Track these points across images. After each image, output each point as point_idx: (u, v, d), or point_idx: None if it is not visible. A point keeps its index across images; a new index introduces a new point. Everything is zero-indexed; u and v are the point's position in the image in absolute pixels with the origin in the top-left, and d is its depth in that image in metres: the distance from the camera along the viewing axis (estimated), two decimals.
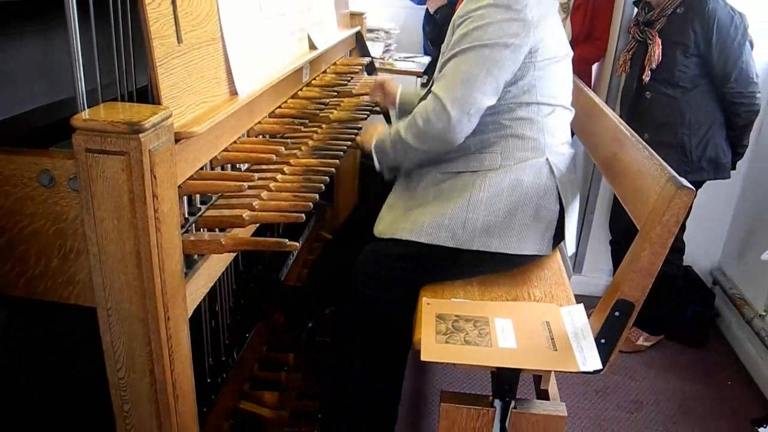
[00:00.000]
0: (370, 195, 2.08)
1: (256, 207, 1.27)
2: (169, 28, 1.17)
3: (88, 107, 1.09)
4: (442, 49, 1.67)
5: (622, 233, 2.68)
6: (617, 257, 2.85)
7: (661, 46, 2.42)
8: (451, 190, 1.63)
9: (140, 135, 0.97)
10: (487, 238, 1.59)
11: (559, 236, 1.69)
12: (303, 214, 1.25)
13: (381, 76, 2.18)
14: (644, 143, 1.57)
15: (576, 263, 3.21)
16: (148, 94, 1.19)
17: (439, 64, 1.65)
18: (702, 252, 3.10)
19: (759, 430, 1.41)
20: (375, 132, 1.78)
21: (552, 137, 1.65)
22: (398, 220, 1.66)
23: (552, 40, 1.62)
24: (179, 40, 1.20)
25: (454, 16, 1.63)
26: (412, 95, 2.04)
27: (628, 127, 1.71)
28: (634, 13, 2.65)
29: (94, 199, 1.02)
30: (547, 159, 1.63)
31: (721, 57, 2.35)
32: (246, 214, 1.23)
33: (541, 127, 1.64)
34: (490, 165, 1.62)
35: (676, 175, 1.36)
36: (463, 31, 1.54)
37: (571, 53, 1.76)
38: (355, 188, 2.85)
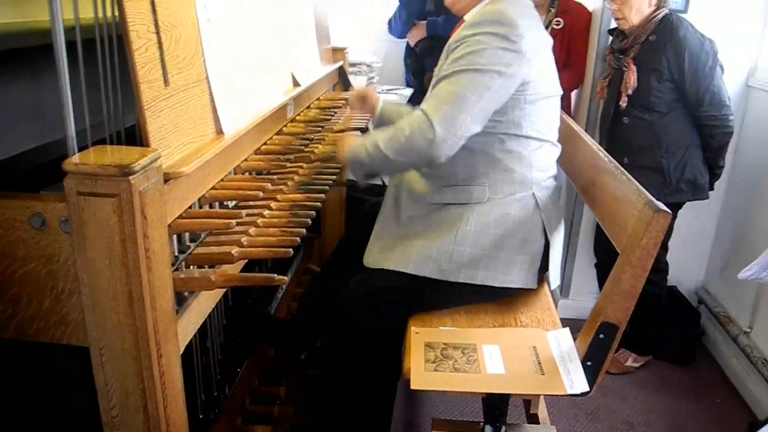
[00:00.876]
0: (357, 226, 2.11)
1: (245, 243, 1.29)
2: (156, 71, 1.20)
3: (78, 148, 1.12)
4: (434, 73, 1.68)
5: (607, 256, 2.72)
6: (603, 280, 2.88)
7: (636, 73, 2.49)
8: (440, 222, 1.66)
9: (130, 177, 1.00)
10: (474, 270, 1.62)
11: (544, 268, 1.72)
12: (291, 249, 1.28)
13: (363, 87, 2.20)
14: (622, 168, 1.62)
15: (563, 287, 3.24)
16: (135, 134, 1.22)
17: (431, 86, 1.66)
18: (686, 272, 3.15)
19: None
20: (347, 143, 1.76)
21: (539, 172, 1.69)
22: (387, 250, 1.69)
23: (544, 76, 1.65)
24: (166, 83, 1.23)
25: (450, 40, 1.64)
26: (392, 109, 2.07)
27: (606, 153, 1.76)
28: (609, 41, 2.72)
29: (86, 240, 1.04)
30: (533, 193, 1.67)
31: (694, 82, 2.42)
32: (235, 250, 1.26)
33: (528, 161, 1.66)
34: (479, 198, 1.65)
35: (653, 199, 1.40)
36: (458, 54, 1.55)
37: (561, 92, 1.78)
38: (341, 220, 2.88)
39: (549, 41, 1.74)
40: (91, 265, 1.05)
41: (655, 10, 2.48)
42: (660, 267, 2.71)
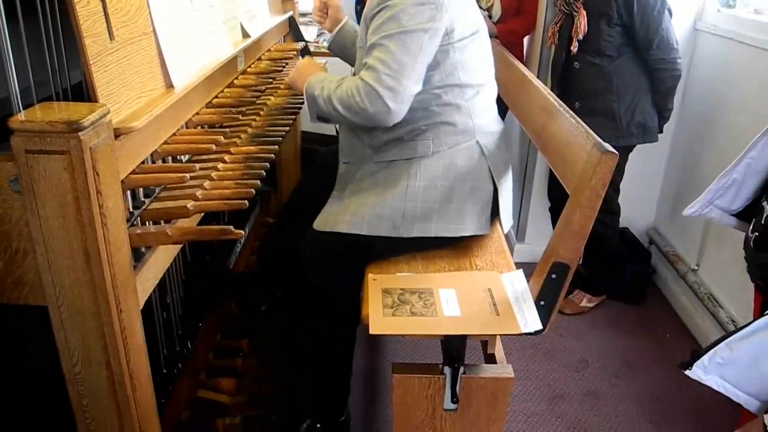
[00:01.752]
0: (310, 174, 2.12)
1: (200, 197, 1.29)
2: (100, 25, 1.18)
3: (23, 107, 1.10)
4: (358, 43, 1.69)
5: (560, 200, 2.77)
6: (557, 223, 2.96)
7: (586, 18, 2.50)
8: (387, 179, 1.67)
9: (80, 133, 0.99)
10: (426, 223, 1.65)
11: (495, 213, 1.76)
12: (246, 201, 1.29)
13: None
14: (571, 113, 1.65)
15: (519, 232, 3.32)
16: (83, 91, 1.20)
17: (358, 56, 1.67)
18: (637, 213, 3.24)
19: (686, 372, 1.51)
20: (307, 71, 1.77)
21: (480, 118, 1.70)
22: (336, 212, 1.69)
23: (465, 17, 1.65)
24: (111, 36, 1.21)
25: (365, 10, 1.63)
26: (352, 31, 2.08)
27: (556, 98, 1.79)
28: None
29: (38, 199, 1.03)
30: (477, 141, 1.69)
31: (643, 25, 2.45)
32: (190, 204, 1.26)
33: (468, 110, 1.68)
34: (423, 152, 1.66)
35: (601, 141, 1.43)
36: (380, 21, 1.55)
37: (484, 26, 1.77)
38: (297, 173, 2.88)
39: None
40: (44, 223, 1.05)
41: None
42: (612, 209, 2.79)
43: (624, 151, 2.66)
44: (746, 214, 1.71)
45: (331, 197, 1.78)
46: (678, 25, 2.68)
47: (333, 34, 2.09)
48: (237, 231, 1.24)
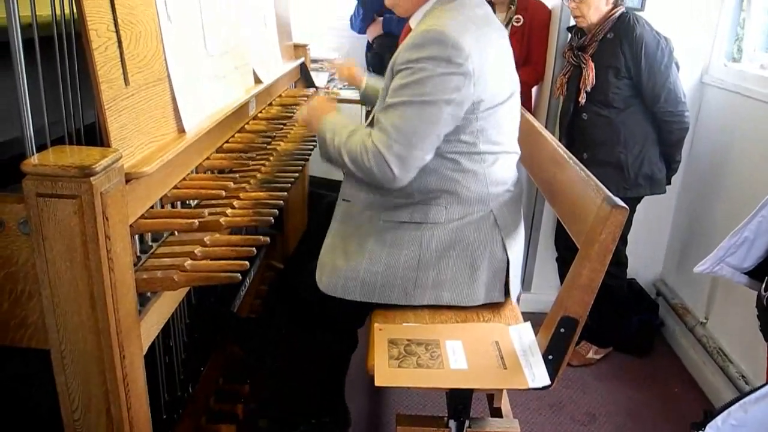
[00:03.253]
0: (317, 222, 2.11)
1: (208, 243, 1.29)
2: (116, 71, 1.19)
3: (36, 147, 1.10)
4: (381, 93, 1.63)
5: (567, 250, 2.77)
6: (564, 274, 2.94)
7: (594, 70, 2.53)
8: (396, 242, 1.62)
9: (91, 178, 0.99)
10: (439, 292, 1.63)
11: (507, 280, 1.72)
12: (254, 248, 1.28)
13: (348, 63, 2.16)
14: (581, 165, 1.65)
15: (525, 281, 3.29)
16: (96, 131, 1.20)
17: (377, 106, 1.62)
18: (644, 264, 3.22)
19: None
20: (322, 112, 1.70)
21: (496, 186, 1.65)
22: (342, 274, 1.64)
23: (496, 84, 1.57)
24: (126, 82, 1.22)
25: (393, 59, 1.56)
26: (377, 86, 2.04)
27: (566, 149, 1.79)
28: (568, 38, 2.76)
29: (46, 242, 1.03)
30: (491, 210, 1.64)
31: (650, 78, 2.47)
32: (198, 250, 1.26)
33: (485, 179, 1.62)
34: (435, 218, 1.61)
35: (611, 194, 1.43)
36: (403, 81, 1.49)
37: (518, 88, 1.70)
38: (304, 216, 2.88)
39: (499, 37, 1.64)
40: (51, 266, 1.04)
41: (612, 9, 2.53)
42: (619, 260, 2.77)
43: (632, 203, 2.65)
44: (758, 273, 1.69)
45: (326, 245, 1.73)
46: (685, 79, 2.70)
47: (360, 95, 2.11)
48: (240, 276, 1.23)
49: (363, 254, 1.64)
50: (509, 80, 1.66)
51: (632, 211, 2.70)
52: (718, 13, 2.89)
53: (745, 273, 1.73)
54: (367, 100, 2.11)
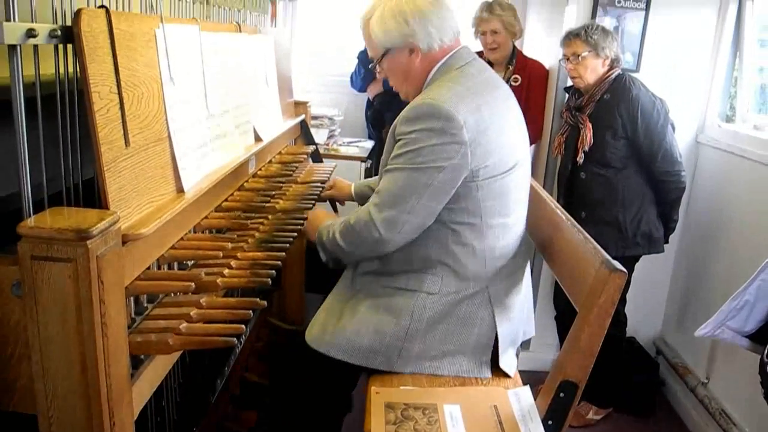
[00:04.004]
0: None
1: (204, 304, 1.27)
2: (117, 132, 1.19)
3: (34, 201, 1.10)
4: (383, 158, 1.66)
5: (566, 309, 2.75)
6: (563, 332, 2.91)
7: (591, 130, 2.56)
8: (388, 310, 1.61)
9: (88, 241, 0.98)
10: (422, 362, 1.61)
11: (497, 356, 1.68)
12: (250, 311, 1.27)
13: (330, 181, 2.23)
14: (579, 227, 1.65)
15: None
16: (94, 186, 1.19)
17: (381, 171, 1.64)
18: (644, 323, 3.19)
19: None
20: (318, 222, 1.77)
21: (495, 262, 1.63)
22: (330, 330, 1.63)
23: (497, 153, 1.55)
24: (127, 143, 1.23)
25: (394, 125, 1.58)
26: (364, 186, 2.12)
27: (563, 210, 1.79)
28: (566, 98, 2.80)
29: (38, 305, 1.01)
30: (486, 287, 1.63)
31: (647, 139, 2.50)
32: (194, 312, 1.24)
33: (483, 255, 1.60)
34: (430, 288, 1.60)
35: (609, 258, 1.42)
36: (398, 152, 1.53)
37: (526, 157, 1.69)
38: (302, 272, 2.86)
39: (505, 105, 1.63)
40: (43, 330, 1.03)
41: (609, 70, 2.57)
42: (619, 319, 2.75)
43: (630, 262, 2.65)
44: (760, 336, 1.68)
45: (326, 302, 1.74)
46: (680, 138, 2.73)
47: (356, 199, 2.16)
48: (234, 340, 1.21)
49: (354, 316, 1.63)
50: (515, 150, 1.61)
51: (631, 270, 2.70)
52: (711, 74, 2.95)
53: (747, 336, 1.71)
54: (360, 198, 2.15)
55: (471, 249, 1.59)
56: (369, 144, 3.53)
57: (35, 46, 1.10)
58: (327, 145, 3.36)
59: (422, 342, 1.59)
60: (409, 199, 1.50)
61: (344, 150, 3.35)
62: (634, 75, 2.66)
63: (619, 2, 2.90)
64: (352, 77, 3.69)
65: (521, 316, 1.75)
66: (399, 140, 1.54)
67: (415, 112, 1.51)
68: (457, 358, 1.61)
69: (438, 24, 1.59)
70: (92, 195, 1.20)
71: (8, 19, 1.03)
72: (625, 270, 1.38)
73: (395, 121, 1.57)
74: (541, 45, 3.43)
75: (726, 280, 2.71)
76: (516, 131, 1.65)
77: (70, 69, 1.19)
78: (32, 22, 1.11)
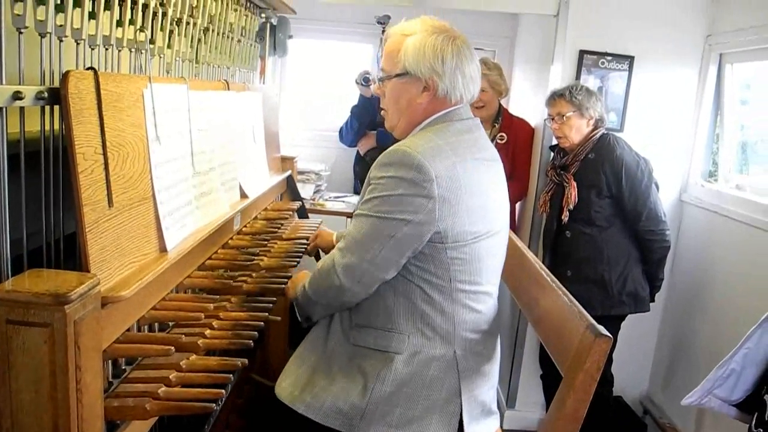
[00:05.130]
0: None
1: (184, 367, 1.25)
2: (100, 193, 1.19)
3: (11, 260, 1.09)
4: (358, 201, 1.62)
5: (552, 368, 2.72)
6: (548, 391, 2.88)
7: (576, 189, 2.58)
8: (355, 368, 1.56)
9: (66, 306, 0.96)
10: (386, 428, 1.53)
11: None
12: (231, 375, 1.24)
13: (314, 233, 2.20)
14: (564, 289, 1.64)
15: (509, 398, 3.22)
16: (76, 241, 1.18)
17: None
18: (630, 382, 3.17)
19: None
20: (297, 282, 1.72)
21: (464, 326, 1.57)
22: (301, 387, 1.59)
23: (468, 215, 1.50)
24: (110, 203, 1.22)
25: (369, 173, 1.56)
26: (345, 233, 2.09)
27: (548, 272, 1.79)
28: (551, 156, 2.83)
29: (12, 370, 0.99)
30: (455, 351, 1.56)
31: (631, 198, 2.52)
32: (173, 375, 1.22)
33: (452, 317, 1.55)
34: (397, 348, 1.54)
35: (594, 322, 1.42)
36: (367, 196, 1.50)
37: (504, 226, 1.64)
38: (285, 328, 2.82)
39: (487, 169, 1.59)
40: (15, 396, 1.00)
41: (593, 130, 2.61)
42: (606, 378, 2.72)
43: (616, 321, 2.65)
44: (747, 406, 1.66)
45: (296, 353, 1.69)
46: (664, 197, 2.76)
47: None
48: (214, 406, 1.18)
49: (320, 372, 1.59)
50: (489, 217, 1.56)
51: (617, 329, 2.69)
52: (693, 133, 3.00)
53: (734, 405, 1.70)
54: None
55: (440, 310, 1.54)
56: (355, 199, 3.52)
57: (21, 107, 1.10)
58: (313, 200, 3.37)
59: (386, 404, 1.52)
60: (371, 248, 1.46)
61: (330, 205, 3.36)
62: (619, 134, 2.71)
63: (603, 63, 2.96)
64: (341, 131, 3.68)
65: (493, 383, 1.69)
66: (371, 185, 1.51)
67: (389, 158, 1.48)
68: (424, 424, 1.53)
69: (467, 80, 1.58)
70: (74, 249, 1.19)
71: None
72: (610, 336, 1.37)
73: (374, 164, 1.54)
74: (527, 103, 3.49)
75: (712, 340, 2.71)
76: (493, 199, 1.60)
77: (56, 127, 1.19)
78: (20, 83, 1.11)
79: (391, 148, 1.51)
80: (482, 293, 1.59)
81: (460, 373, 1.56)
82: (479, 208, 1.53)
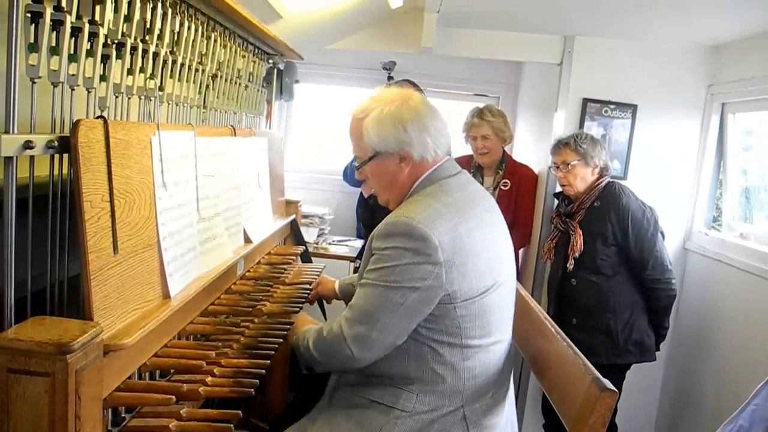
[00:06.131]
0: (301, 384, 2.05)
1: (184, 416, 1.24)
2: (106, 240, 1.19)
3: (15, 302, 1.08)
4: (360, 270, 1.63)
5: (556, 418, 2.69)
6: None
7: (582, 237, 2.58)
8: (359, 421, 1.53)
9: (68, 356, 0.96)
10: None
11: None
12: (231, 425, 1.23)
13: (316, 281, 2.21)
14: (569, 340, 1.63)
15: None
16: (80, 283, 1.17)
17: (357, 281, 1.60)
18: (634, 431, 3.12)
19: None
20: (299, 326, 1.73)
21: (473, 381, 1.54)
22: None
23: (475, 272, 1.49)
24: (115, 250, 1.22)
25: (370, 238, 1.54)
26: (348, 284, 2.09)
27: (553, 323, 1.78)
28: (555, 204, 2.84)
29: (11, 420, 0.98)
30: (462, 407, 1.53)
31: (638, 247, 2.52)
32: (173, 424, 1.20)
33: (462, 374, 1.52)
34: (404, 405, 1.51)
35: (600, 376, 1.40)
36: (373, 267, 1.49)
37: (510, 277, 1.63)
38: (285, 372, 2.80)
39: (484, 222, 1.57)
40: None
41: (598, 178, 2.62)
42: (610, 429, 2.68)
43: (621, 370, 2.62)
44: None
45: (315, 409, 1.67)
46: (668, 244, 2.76)
47: (341, 297, 2.13)
48: None
49: (326, 423, 1.57)
50: (495, 268, 1.56)
51: (622, 378, 2.66)
52: (696, 181, 3.02)
53: None
54: (345, 296, 2.11)
55: (451, 368, 1.52)
56: (358, 243, 3.54)
57: (31, 156, 1.11)
58: (316, 243, 3.37)
59: None
60: (381, 318, 1.45)
61: (333, 249, 3.36)
62: (622, 182, 2.72)
63: (606, 111, 3.00)
64: (346, 170, 3.69)
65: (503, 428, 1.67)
66: (374, 255, 1.50)
67: (390, 229, 1.48)
68: None
69: (435, 136, 1.57)
70: (78, 291, 1.18)
71: (7, 130, 1.04)
72: (616, 390, 1.36)
73: (372, 232, 1.54)
74: (531, 150, 3.52)
75: (716, 391, 2.68)
76: (497, 249, 1.60)
77: (65, 173, 1.20)
78: (31, 131, 1.12)
79: (389, 218, 1.51)
80: (492, 345, 1.57)
81: (468, 427, 1.54)
82: (485, 263, 1.52)
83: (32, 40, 1.11)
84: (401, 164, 1.58)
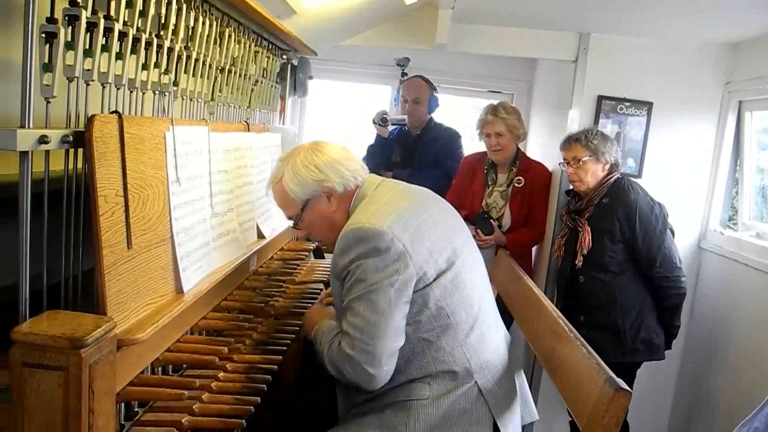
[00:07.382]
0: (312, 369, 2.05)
1: (196, 411, 1.24)
2: (120, 235, 1.20)
3: (29, 295, 1.08)
4: (334, 300, 1.66)
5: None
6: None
7: (590, 233, 2.56)
8: (380, 426, 1.55)
9: (81, 350, 0.97)
10: None
11: None
12: (243, 421, 1.23)
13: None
14: (582, 339, 1.62)
15: None
16: (93, 277, 1.18)
17: (337, 312, 1.64)
18: (648, 431, 3.10)
19: None
20: (318, 320, 1.71)
21: (477, 357, 1.59)
22: None
23: (436, 247, 1.56)
24: (129, 245, 1.23)
25: (333, 265, 1.58)
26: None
27: (566, 321, 1.77)
28: (567, 201, 2.82)
29: (26, 413, 0.99)
30: (475, 382, 1.58)
31: (645, 243, 2.49)
32: (185, 419, 1.21)
33: (463, 354, 1.57)
34: (420, 394, 1.55)
35: (614, 375, 1.39)
36: (348, 285, 1.51)
37: (469, 240, 1.70)
38: (297, 361, 2.81)
39: (425, 206, 1.65)
40: None
41: (608, 174, 2.60)
42: (622, 429, 2.67)
43: (630, 368, 2.60)
44: None
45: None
46: (683, 243, 2.74)
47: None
48: None
49: (346, 425, 1.59)
50: (452, 238, 1.63)
51: (632, 376, 2.64)
52: (712, 180, 2.99)
53: None
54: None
55: (450, 351, 1.56)
56: None
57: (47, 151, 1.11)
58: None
59: None
60: (379, 323, 1.47)
61: None
62: (637, 180, 2.70)
63: (621, 108, 2.97)
64: None
65: (517, 401, 1.70)
66: (344, 275, 1.52)
67: (344, 242, 1.51)
68: None
69: (346, 164, 1.66)
70: (92, 285, 1.18)
71: (23, 125, 1.05)
72: (630, 390, 1.35)
73: (332, 258, 1.57)
74: (545, 147, 3.50)
75: (731, 391, 2.66)
76: (447, 223, 1.68)
77: (80, 165, 1.20)
78: (46, 126, 1.13)
79: (341, 233, 1.54)
80: (479, 312, 1.62)
81: (487, 399, 1.57)
82: (443, 237, 1.60)
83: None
84: (330, 200, 1.66)
